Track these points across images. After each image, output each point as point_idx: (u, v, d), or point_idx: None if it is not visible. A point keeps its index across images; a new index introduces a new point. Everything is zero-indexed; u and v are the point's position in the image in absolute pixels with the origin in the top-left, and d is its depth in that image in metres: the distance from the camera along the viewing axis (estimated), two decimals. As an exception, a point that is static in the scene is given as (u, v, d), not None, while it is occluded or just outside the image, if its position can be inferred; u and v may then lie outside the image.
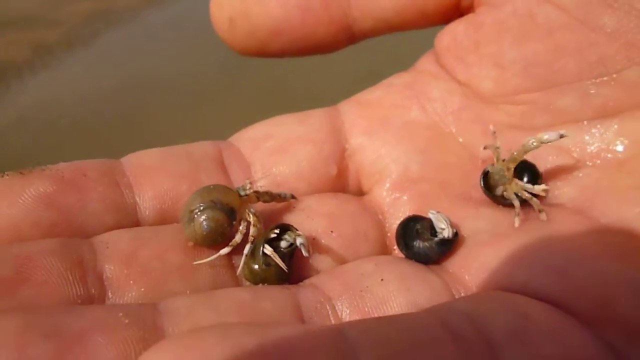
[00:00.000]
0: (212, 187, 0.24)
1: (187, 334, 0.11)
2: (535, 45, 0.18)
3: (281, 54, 0.21)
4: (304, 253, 0.21)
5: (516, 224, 0.20)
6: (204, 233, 0.23)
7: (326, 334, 0.13)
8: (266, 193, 0.25)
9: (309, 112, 0.22)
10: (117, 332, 0.15)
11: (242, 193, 0.24)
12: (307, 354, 0.10)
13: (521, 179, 0.21)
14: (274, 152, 0.23)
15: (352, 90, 0.26)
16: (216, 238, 0.24)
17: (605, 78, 0.17)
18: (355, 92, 0.24)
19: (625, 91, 0.17)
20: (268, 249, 0.22)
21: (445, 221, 0.20)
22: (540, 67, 0.18)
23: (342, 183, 0.24)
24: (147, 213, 0.21)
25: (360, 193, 0.25)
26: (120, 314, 0.15)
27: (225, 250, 0.23)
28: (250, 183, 0.23)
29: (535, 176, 0.21)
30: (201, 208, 0.23)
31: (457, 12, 0.20)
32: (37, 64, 1.67)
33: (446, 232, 0.20)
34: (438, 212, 0.21)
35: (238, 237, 0.23)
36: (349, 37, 0.21)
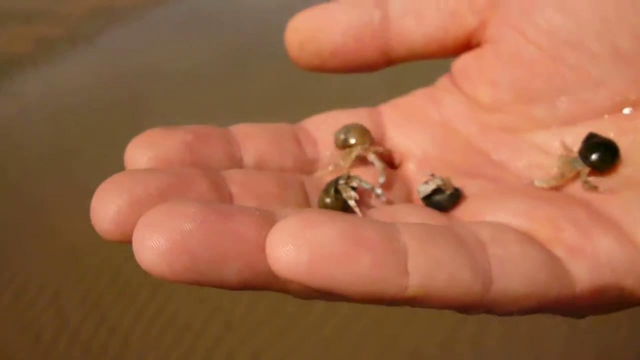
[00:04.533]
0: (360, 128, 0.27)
1: (305, 213, 0.14)
2: (520, 72, 0.24)
3: (336, 70, 0.27)
4: (382, 178, 0.25)
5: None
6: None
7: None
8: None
9: (357, 109, 0.28)
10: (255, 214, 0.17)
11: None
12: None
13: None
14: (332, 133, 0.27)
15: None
16: None
17: (568, 96, 0.23)
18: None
19: (582, 107, 0.23)
20: (343, 186, 0.24)
21: (442, 181, 0.25)
22: (523, 87, 0.24)
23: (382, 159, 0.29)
24: (249, 165, 0.26)
25: (392, 167, 0.30)
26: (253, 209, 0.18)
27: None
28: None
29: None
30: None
31: (468, 47, 0.26)
32: (39, 58, 1.67)
33: (443, 191, 0.24)
34: (434, 176, 0.25)
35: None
36: (386, 61, 0.26)
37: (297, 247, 0.13)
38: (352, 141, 0.27)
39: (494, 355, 0.80)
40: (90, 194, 0.22)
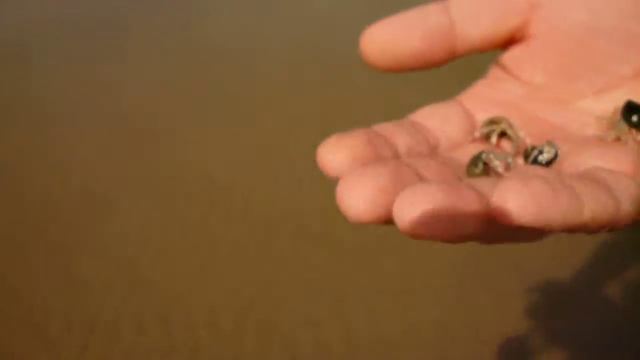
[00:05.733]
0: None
1: (520, 174, 0.20)
2: (561, 58, 0.31)
3: (409, 69, 0.32)
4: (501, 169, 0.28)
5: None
6: None
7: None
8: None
9: (447, 102, 0.33)
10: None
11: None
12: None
13: None
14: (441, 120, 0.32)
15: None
16: None
17: (600, 71, 0.31)
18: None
19: (611, 78, 0.31)
20: (489, 157, 0.28)
21: (553, 146, 0.30)
22: (565, 69, 0.31)
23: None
24: (403, 155, 0.30)
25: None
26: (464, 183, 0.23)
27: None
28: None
29: None
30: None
31: (512, 41, 0.32)
32: None
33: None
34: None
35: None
36: (451, 58, 0.32)
37: (525, 198, 0.19)
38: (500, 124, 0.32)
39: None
40: None
